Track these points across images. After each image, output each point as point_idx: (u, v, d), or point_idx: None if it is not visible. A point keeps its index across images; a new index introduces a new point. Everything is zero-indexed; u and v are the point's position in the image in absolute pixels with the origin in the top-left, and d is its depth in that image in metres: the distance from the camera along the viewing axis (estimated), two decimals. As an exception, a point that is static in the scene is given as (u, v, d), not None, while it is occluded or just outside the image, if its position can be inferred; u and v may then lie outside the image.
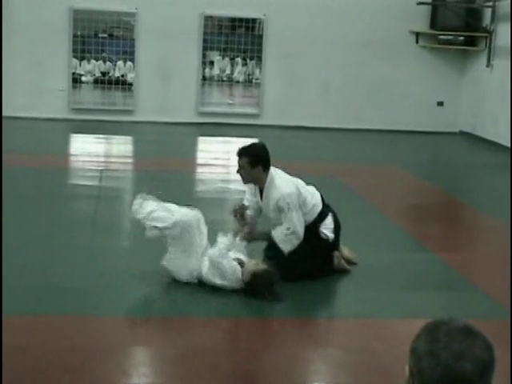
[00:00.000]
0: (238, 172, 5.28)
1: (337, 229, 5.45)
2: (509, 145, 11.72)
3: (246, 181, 5.36)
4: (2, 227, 5.69)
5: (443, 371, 1.61)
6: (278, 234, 5.25)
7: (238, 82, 14.54)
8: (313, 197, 5.39)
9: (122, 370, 3.91)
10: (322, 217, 5.39)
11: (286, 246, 5.24)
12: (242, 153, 5.23)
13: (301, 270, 5.24)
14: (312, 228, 5.33)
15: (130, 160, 10.61)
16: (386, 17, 13.53)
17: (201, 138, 12.69)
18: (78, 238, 6.18)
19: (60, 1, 12.82)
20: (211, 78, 14.30)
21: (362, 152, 11.61)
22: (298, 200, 5.23)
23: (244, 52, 14.09)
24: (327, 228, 5.40)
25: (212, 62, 14.22)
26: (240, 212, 5.37)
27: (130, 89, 13.66)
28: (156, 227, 5.04)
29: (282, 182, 5.25)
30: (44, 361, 3.90)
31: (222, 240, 5.12)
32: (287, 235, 5.21)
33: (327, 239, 5.39)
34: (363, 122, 13.79)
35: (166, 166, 9.57)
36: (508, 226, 7.01)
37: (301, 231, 5.22)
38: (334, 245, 5.46)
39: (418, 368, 1.64)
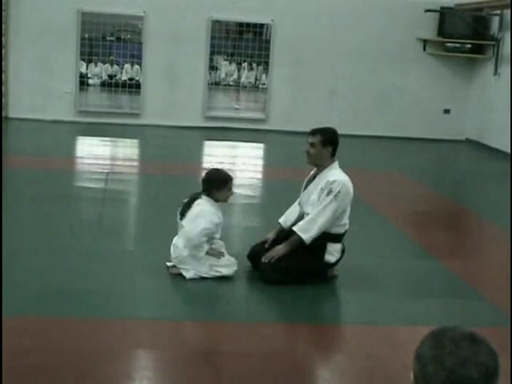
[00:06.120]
0: (306, 151, 5.39)
1: (337, 260, 5.47)
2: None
3: (311, 160, 5.42)
4: (1, 227, 5.69)
5: (448, 377, 1.61)
6: (299, 225, 5.30)
7: (244, 86, 14.56)
8: (347, 218, 5.43)
9: (126, 373, 3.91)
10: (337, 239, 5.42)
11: (307, 235, 5.27)
12: (317, 131, 5.39)
13: (293, 273, 5.28)
14: (321, 244, 5.35)
15: (135, 163, 10.63)
16: (393, 24, 13.54)
17: (207, 143, 12.70)
18: (83, 240, 6.19)
19: (68, 4, 12.86)
20: (218, 83, 14.32)
21: (367, 158, 11.62)
22: (345, 200, 5.29)
23: (251, 57, 14.12)
24: (331, 253, 5.41)
25: (217, 68, 14.25)
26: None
27: (136, 92, 13.68)
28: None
29: (345, 175, 5.37)
30: (48, 363, 3.90)
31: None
32: (309, 222, 5.24)
33: (323, 261, 5.40)
34: (369, 129, 13.79)
35: (171, 170, 9.59)
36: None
37: (326, 225, 5.24)
38: (326, 267, 5.47)
39: (423, 373, 1.64)
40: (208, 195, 5.34)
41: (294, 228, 5.33)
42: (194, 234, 5.22)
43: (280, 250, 5.32)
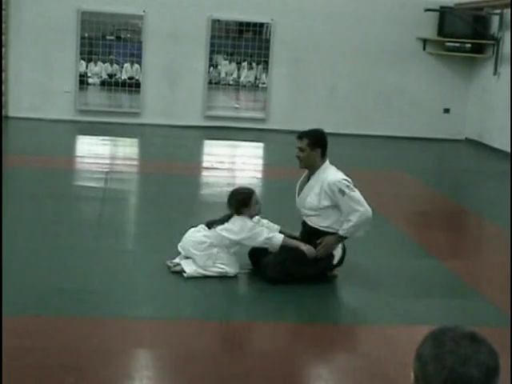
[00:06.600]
0: (296, 155, 5.37)
1: (338, 260, 5.47)
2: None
3: (303, 164, 5.41)
4: (1, 227, 5.69)
5: (449, 375, 1.61)
6: (346, 228, 5.24)
7: (244, 86, 14.54)
8: None
9: (126, 372, 3.91)
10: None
11: (362, 230, 5.30)
12: (304, 135, 5.39)
13: (295, 273, 5.28)
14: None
15: (135, 162, 10.63)
16: (393, 23, 13.53)
17: (207, 142, 12.70)
18: (83, 239, 6.19)
19: (68, 3, 12.86)
20: (218, 82, 14.30)
21: (367, 158, 11.61)
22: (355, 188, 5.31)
23: (251, 56, 14.09)
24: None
25: (216, 66, 14.21)
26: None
27: (136, 91, 13.67)
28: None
29: (337, 171, 5.36)
30: (48, 362, 3.90)
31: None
32: (356, 222, 5.20)
33: (324, 261, 5.39)
34: (369, 128, 13.78)
35: (171, 169, 9.59)
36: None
37: (368, 207, 5.22)
38: (326, 267, 5.47)
39: (424, 373, 1.65)
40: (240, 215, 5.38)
41: (342, 233, 5.29)
42: (240, 236, 5.28)
43: (331, 240, 5.30)
